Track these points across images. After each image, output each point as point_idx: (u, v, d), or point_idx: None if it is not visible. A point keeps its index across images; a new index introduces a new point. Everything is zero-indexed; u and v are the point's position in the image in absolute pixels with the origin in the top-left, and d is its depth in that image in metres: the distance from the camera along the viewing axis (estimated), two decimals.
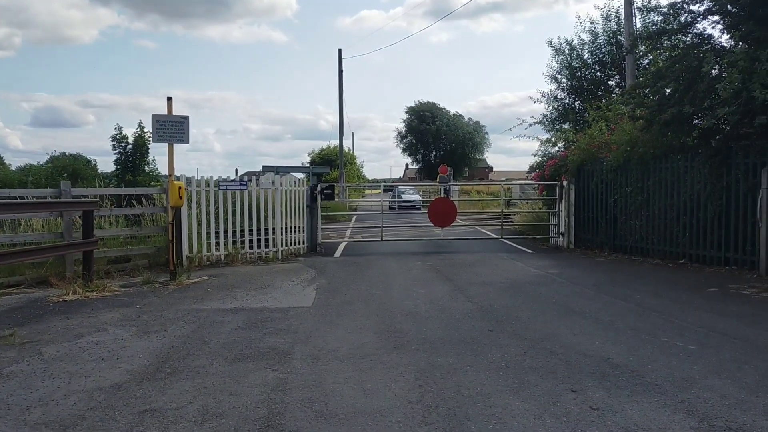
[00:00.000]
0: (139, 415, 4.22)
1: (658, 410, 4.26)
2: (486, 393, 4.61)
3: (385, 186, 15.86)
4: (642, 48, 15.81)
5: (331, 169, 44.88)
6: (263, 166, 30.70)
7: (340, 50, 36.74)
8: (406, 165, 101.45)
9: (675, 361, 5.44)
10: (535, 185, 17.25)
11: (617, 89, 21.28)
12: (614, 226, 13.49)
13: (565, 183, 14.90)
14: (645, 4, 16.29)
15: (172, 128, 9.84)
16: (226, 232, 12.21)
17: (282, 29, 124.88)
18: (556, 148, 18.17)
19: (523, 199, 18.27)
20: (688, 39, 12.41)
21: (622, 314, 7.42)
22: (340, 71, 36.40)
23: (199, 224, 11.76)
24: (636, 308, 7.78)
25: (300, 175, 25.20)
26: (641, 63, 18.79)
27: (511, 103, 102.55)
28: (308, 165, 49.09)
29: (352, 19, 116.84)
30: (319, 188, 14.38)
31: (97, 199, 10.07)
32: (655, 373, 5.09)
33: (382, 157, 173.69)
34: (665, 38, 12.88)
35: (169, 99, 10.12)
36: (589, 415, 4.17)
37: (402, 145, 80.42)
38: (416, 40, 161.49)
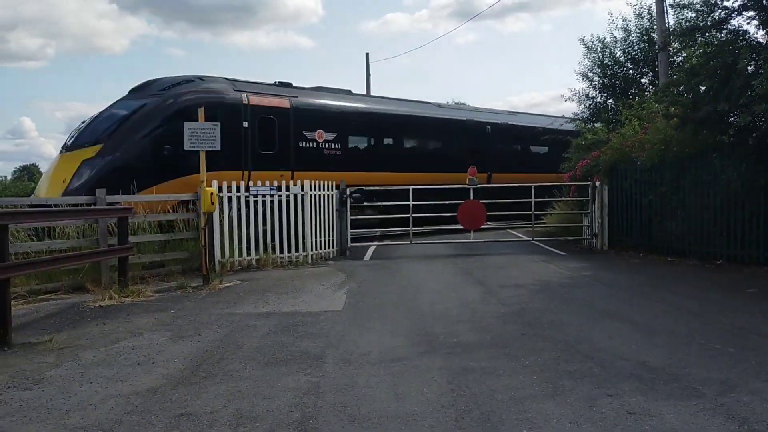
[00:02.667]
0: (174, 419, 4.27)
1: (696, 414, 4.18)
2: (520, 397, 4.56)
3: (413, 188, 15.83)
4: (675, 45, 15.51)
5: None
6: None
7: (367, 54, 36.70)
8: None
9: (713, 364, 5.32)
10: (567, 186, 17.03)
11: (650, 87, 20.90)
12: (649, 226, 13.26)
13: (597, 183, 14.69)
14: (678, 0, 15.97)
15: (204, 135, 9.98)
16: (257, 236, 12.31)
17: (308, 34, 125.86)
18: (587, 140, 17.93)
19: (555, 200, 18.01)
20: (722, 35, 12.15)
21: (658, 317, 7.29)
22: (368, 75, 36.38)
23: (231, 229, 11.87)
24: (673, 310, 7.63)
25: None
26: (674, 60, 18.44)
27: (540, 102, 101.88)
28: None
29: (377, 22, 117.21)
30: (348, 192, 14.41)
31: (132, 205, 10.22)
32: (692, 376, 4.98)
33: None
34: (699, 35, 12.63)
35: (201, 107, 10.26)
36: (625, 420, 4.10)
37: None
38: (442, 41, 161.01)
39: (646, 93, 20.14)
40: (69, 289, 9.43)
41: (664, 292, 8.94)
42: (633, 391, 4.66)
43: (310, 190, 13.10)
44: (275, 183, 12.68)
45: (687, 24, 14.34)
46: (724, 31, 12.03)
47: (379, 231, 17.33)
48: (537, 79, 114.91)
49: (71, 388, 4.97)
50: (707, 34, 12.46)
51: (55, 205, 9.53)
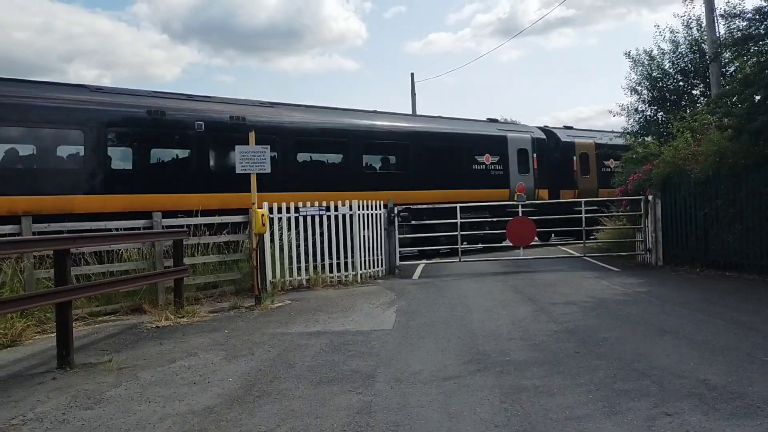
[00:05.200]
0: None
1: None
2: (576, 417, 4.48)
3: (461, 206, 16.03)
4: (727, 55, 15.16)
5: None
6: None
7: (412, 74, 36.94)
8: None
9: None
10: (619, 200, 16.73)
11: (702, 98, 20.44)
12: (705, 240, 12.89)
13: (650, 197, 14.39)
14: (728, 10, 15.60)
15: (255, 158, 10.20)
16: (307, 256, 12.45)
17: (353, 57, 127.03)
18: (638, 154, 17.60)
19: (606, 215, 17.74)
20: None
21: (717, 333, 7.07)
22: (413, 94, 36.56)
23: (281, 250, 12.04)
24: (733, 326, 7.39)
25: None
26: (726, 70, 18.03)
27: (587, 117, 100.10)
28: None
29: (420, 43, 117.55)
30: (395, 211, 14.47)
31: (187, 228, 10.47)
32: (756, 394, 4.81)
33: None
34: (752, 44, 12.33)
35: (251, 131, 10.50)
36: None
37: None
38: (486, 59, 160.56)
39: (697, 104, 19.71)
40: (127, 311, 9.71)
41: (722, 307, 8.67)
42: (693, 410, 4.53)
43: (359, 209, 13.21)
44: (324, 204, 12.82)
45: (739, 33, 14.01)
46: None
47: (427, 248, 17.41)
48: (583, 93, 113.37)
49: (131, 408, 5.11)
50: (761, 43, 12.17)
51: (116, 229, 9.81)
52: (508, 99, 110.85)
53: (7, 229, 8.89)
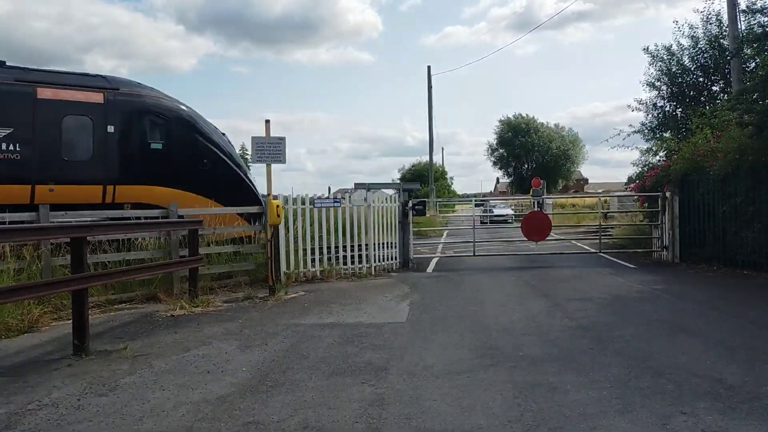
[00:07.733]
0: (243, 427, 4.36)
1: None
2: (589, 413, 4.45)
3: (476, 201, 15.96)
4: (748, 51, 14.94)
5: (422, 184, 44.99)
6: (355, 184, 31.19)
7: (429, 67, 37.06)
8: (497, 179, 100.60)
9: None
10: (635, 197, 16.61)
11: (722, 95, 20.20)
12: (723, 238, 12.76)
13: (668, 194, 14.26)
14: (750, 5, 15.39)
15: (270, 149, 10.21)
16: (321, 248, 12.47)
17: (368, 50, 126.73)
18: (657, 158, 17.42)
19: (623, 212, 17.61)
20: None
21: (734, 332, 6.99)
22: (429, 87, 36.54)
23: (296, 241, 12.06)
24: (750, 325, 7.31)
25: (390, 192, 25.48)
26: (747, 66, 17.78)
27: (603, 113, 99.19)
28: (398, 181, 49.50)
29: (436, 36, 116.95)
30: (410, 204, 14.45)
31: (202, 218, 10.51)
32: None
33: (471, 171, 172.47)
34: None
35: (267, 122, 10.49)
36: None
37: (493, 159, 78.90)
38: (502, 53, 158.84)
39: (717, 101, 19.48)
40: (143, 299, 9.77)
41: (739, 306, 8.58)
42: (709, 409, 4.48)
43: (373, 202, 13.20)
44: (338, 195, 12.82)
45: (761, 29, 13.80)
46: None
47: (441, 243, 17.35)
48: (600, 88, 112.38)
49: (145, 395, 5.14)
50: None
51: (136, 218, 9.87)
52: (524, 93, 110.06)
53: (25, 216, 8.98)
